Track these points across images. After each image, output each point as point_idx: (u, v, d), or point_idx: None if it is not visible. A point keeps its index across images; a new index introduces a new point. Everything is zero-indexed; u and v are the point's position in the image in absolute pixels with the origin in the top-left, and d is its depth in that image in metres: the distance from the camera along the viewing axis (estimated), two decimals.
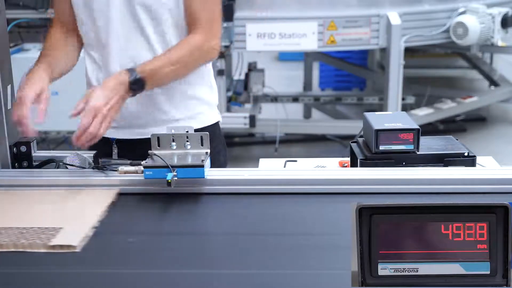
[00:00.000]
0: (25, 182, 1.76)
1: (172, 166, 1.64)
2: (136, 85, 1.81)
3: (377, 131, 1.73)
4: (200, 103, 2.08)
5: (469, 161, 1.77)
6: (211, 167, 1.74)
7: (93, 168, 1.80)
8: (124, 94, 1.79)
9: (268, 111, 5.62)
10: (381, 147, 1.74)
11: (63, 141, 5.07)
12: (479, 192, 1.65)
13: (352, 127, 4.73)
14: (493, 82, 6.22)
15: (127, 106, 1.92)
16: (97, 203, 1.63)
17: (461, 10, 4.80)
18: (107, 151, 2.04)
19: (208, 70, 2.11)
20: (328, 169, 1.91)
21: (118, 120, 2.02)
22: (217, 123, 2.16)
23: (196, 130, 1.78)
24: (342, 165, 1.96)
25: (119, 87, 1.78)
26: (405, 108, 5.20)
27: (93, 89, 1.78)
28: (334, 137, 5.66)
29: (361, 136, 1.88)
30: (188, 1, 1.93)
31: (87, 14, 1.97)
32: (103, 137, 2.05)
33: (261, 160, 2.07)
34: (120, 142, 2.07)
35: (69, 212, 1.62)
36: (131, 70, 1.82)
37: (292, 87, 6.72)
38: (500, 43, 5.07)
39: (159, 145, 1.74)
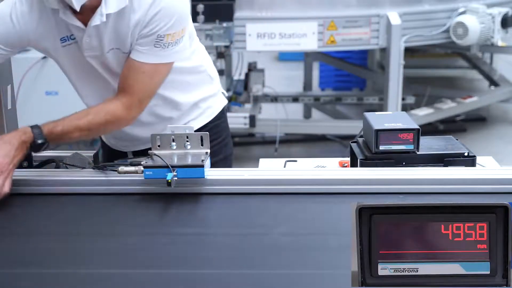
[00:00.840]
0: (25, 182, 1.75)
1: (172, 166, 1.64)
2: (38, 145, 1.75)
3: (377, 131, 1.73)
4: (205, 100, 2.08)
5: (469, 161, 1.77)
6: (216, 158, 1.74)
7: (93, 168, 1.80)
8: (25, 152, 1.74)
9: (268, 111, 5.62)
10: (381, 147, 1.74)
11: None
12: (479, 192, 1.65)
13: (352, 127, 4.72)
14: (493, 82, 6.22)
15: (135, 130, 1.94)
16: None
17: (461, 10, 4.79)
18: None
19: (205, 67, 2.07)
20: (328, 169, 1.91)
21: (130, 140, 2.03)
22: (222, 111, 2.14)
23: (204, 126, 1.77)
24: (342, 165, 1.96)
25: (23, 145, 1.72)
26: (405, 108, 5.19)
27: None
28: (334, 137, 5.65)
29: (361, 136, 1.87)
30: (126, 66, 1.83)
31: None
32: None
33: (261, 160, 2.07)
34: (135, 152, 2.08)
35: None
36: (37, 131, 1.74)
37: (292, 87, 6.71)
38: (500, 43, 5.06)
39: (159, 145, 1.74)
